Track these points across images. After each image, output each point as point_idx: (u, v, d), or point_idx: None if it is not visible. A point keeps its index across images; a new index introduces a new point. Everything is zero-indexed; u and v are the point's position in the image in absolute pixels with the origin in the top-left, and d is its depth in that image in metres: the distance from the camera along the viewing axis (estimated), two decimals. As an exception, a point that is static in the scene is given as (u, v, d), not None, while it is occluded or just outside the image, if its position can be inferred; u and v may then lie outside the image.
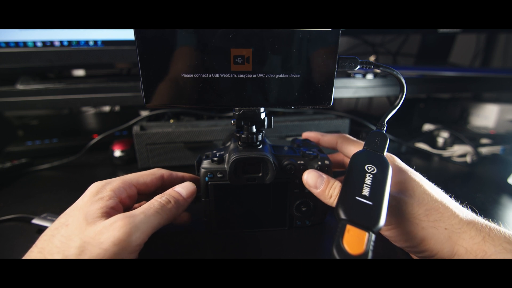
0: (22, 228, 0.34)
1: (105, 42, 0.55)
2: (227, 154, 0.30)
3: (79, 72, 0.75)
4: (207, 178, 0.29)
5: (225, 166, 0.29)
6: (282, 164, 0.30)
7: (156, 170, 0.30)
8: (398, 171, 0.27)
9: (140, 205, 0.25)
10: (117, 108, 0.83)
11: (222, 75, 0.25)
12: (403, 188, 0.25)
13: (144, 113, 0.60)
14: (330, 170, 0.31)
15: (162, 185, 0.30)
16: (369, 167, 0.24)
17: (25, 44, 0.51)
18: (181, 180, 0.31)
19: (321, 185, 0.27)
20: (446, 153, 0.59)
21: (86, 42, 0.54)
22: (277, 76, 0.25)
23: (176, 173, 0.32)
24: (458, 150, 0.58)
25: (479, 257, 0.22)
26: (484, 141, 0.62)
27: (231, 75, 0.25)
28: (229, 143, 0.34)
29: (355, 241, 0.19)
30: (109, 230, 0.21)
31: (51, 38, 0.52)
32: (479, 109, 0.72)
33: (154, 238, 0.29)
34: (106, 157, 0.58)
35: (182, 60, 0.24)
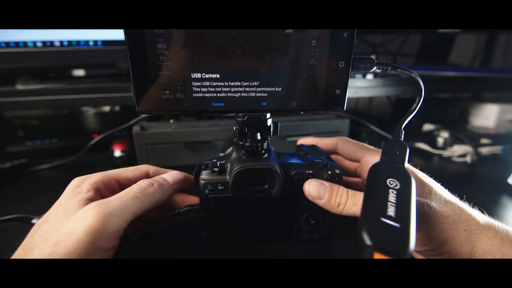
0: (22, 228, 0.34)
1: (105, 42, 0.55)
2: (228, 164, 0.28)
3: (79, 72, 0.75)
4: (207, 191, 0.27)
5: (227, 177, 0.27)
6: (289, 174, 0.27)
7: (142, 166, 0.30)
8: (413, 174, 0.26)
9: None
10: (117, 108, 0.83)
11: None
12: (420, 191, 0.24)
13: (144, 114, 0.60)
14: (341, 179, 0.28)
15: None
16: (391, 182, 0.22)
17: (25, 44, 0.51)
18: None
19: (325, 194, 0.26)
20: (446, 153, 0.59)
21: (86, 42, 0.54)
22: (283, 78, 0.24)
23: (164, 170, 0.31)
24: (458, 150, 0.58)
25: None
26: (484, 141, 0.62)
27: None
28: (229, 151, 0.32)
29: None
30: (81, 219, 0.21)
31: (51, 38, 0.52)
32: (479, 109, 0.72)
33: (146, 253, 0.29)
34: (106, 157, 0.58)
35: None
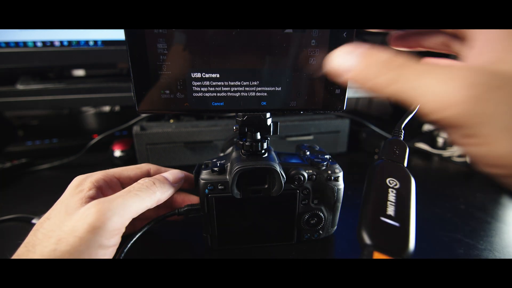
0: (22, 228, 0.34)
1: (105, 42, 0.55)
2: (228, 164, 0.28)
3: (79, 72, 0.75)
4: (207, 190, 0.27)
5: (227, 177, 0.27)
6: (289, 174, 0.27)
7: (143, 165, 0.30)
8: None
9: None
10: (117, 108, 0.83)
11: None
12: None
13: (144, 114, 0.60)
14: (341, 179, 0.29)
15: None
16: (391, 181, 0.22)
17: (25, 44, 0.51)
18: None
19: (355, 63, 0.18)
20: (446, 153, 0.59)
21: (86, 42, 0.54)
22: (282, 78, 0.24)
23: (164, 168, 0.31)
24: (458, 150, 0.58)
25: None
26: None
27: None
28: (229, 151, 0.32)
29: None
30: (83, 217, 0.21)
31: (51, 38, 0.52)
32: (479, 109, 0.72)
33: (146, 252, 0.29)
34: (106, 157, 0.58)
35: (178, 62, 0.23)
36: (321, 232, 0.31)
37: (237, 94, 0.24)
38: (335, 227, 0.32)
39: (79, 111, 0.81)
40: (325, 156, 0.30)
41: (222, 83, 0.24)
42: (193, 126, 0.52)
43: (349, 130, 0.58)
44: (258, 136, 0.27)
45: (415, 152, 0.61)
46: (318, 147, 0.34)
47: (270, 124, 0.27)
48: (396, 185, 0.22)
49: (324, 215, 0.30)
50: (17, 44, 0.51)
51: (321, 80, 0.24)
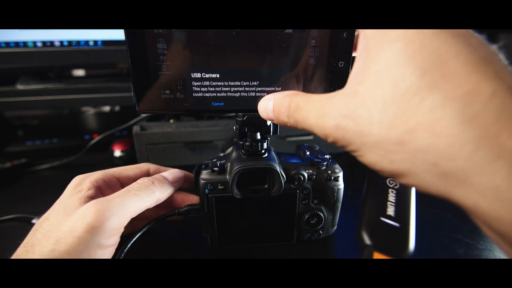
0: (22, 228, 0.34)
1: (105, 42, 0.54)
2: (228, 164, 0.28)
3: (79, 72, 0.75)
4: (207, 190, 0.27)
5: (227, 177, 0.27)
6: (289, 174, 0.27)
7: (143, 165, 0.30)
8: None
9: None
10: (117, 108, 0.83)
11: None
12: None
13: (144, 114, 0.60)
14: (341, 179, 0.29)
15: None
16: (391, 182, 0.22)
17: (25, 44, 0.51)
18: None
19: (274, 107, 0.20)
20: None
21: (86, 42, 0.54)
22: (283, 78, 0.24)
23: (164, 168, 0.31)
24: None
25: None
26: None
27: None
28: (229, 151, 0.32)
29: None
30: (82, 217, 0.21)
31: (51, 38, 0.52)
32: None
33: (145, 252, 0.29)
34: (106, 157, 0.58)
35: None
36: (321, 232, 0.31)
37: (237, 94, 0.24)
38: (335, 227, 0.32)
39: (79, 111, 0.81)
40: (325, 156, 0.30)
41: (222, 83, 0.24)
42: (193, 126, 0.52)
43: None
44: (258, 136, 0.27)
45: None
46: (318, 147, 0.34)
47: (270, 124, 0.27)
48: (396, 185, 0.22)
49: (324, 215, 0.30)
50: (17, 44, 0.51)
51: (321, 81, 0.24)
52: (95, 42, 0.54)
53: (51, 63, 0.53)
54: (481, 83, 0.12)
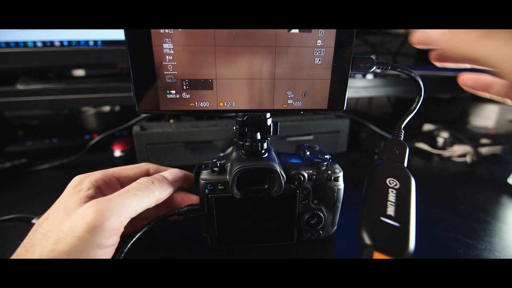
0: (22, 228, 0.34)
1: (105, 42, 0.54)
2: (228, 164, 0.28)
3: (79, 72, 0.75)
4: (207, 191, 0.27)
5: (227, 177, 0.27)
6: (289, 174, 0.27)
7: (142, 164, 0.30)
8: None
9: None
10: (117, 108, 0.83)
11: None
12: None
13: (145, 114, 0.60)
14: (341, 179, 0.29)
15: None
16: (391, 181, 0.22)
17: (25, 44, 0.51)
18: None
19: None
20: (446, 153, 0.59)
21: (86, 42, 0.54)
22: (283, 78, 0.24)
23: (164, 168, 0.31)
24: (458, 150, 0.58)
25: None
26: (484, 141, 0.62)
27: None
28: (229, 151, 0.32)
29: None
30: (81, 217, 0.21)
31: (51, 38, 0.52)
32: (479, 109, 0.72)
33: (145, 252, 0.29)
34: (106, 157, 0.58)
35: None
36: (321, 232, 0.31)
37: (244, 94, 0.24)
38: (335, 227, 0.32)
39: (79, 111, 0.81)
40: (325, 156, 0.30)
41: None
42: (193, 126, 0.52)
43: (349, 130, 0.59)
44: (258, 136, 0.27)
45: (415, 152, 0.61)
46: (318, 147, 0.34)
47: (270, 124, 0.27)
48: (396, 185, 0.22)
49: (324, 215, 0.30)
50: (17, 44, 0.51)
51: (325, 81, 0.24)
52: (95, 42, 0.54)
53: (51, 63, 0.53)
54: None
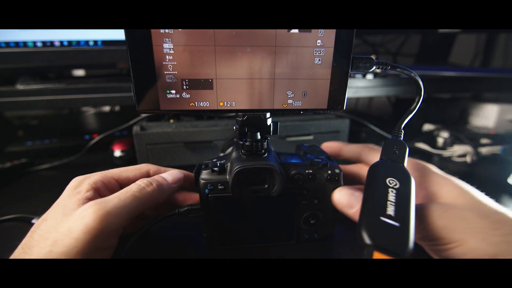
0: (22, 228, 0.34)
1: (105, 42, 0.55)
2: (228, 164, 0.28)
3: (79, 72, 0.75)
4: (207, 190, 0.27)
5: (227, 177, 0.27)
6: (289, 174, 0.27)
7: (142, 166, 0.30)
8: (438, 178, 0.25)
9: None
10: (117, 108, 0.83)
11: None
12: (455, 199, 0.23)
13: (145, 114, 0.60)
14: (341, 179, 0.28)
15: None
16: (390, 181, 0.22)
17: (25, 44, 0.51)
18: None
19: (356, 203, 0.24)
20: (446, 153, 0.59)
21: (86, 42, 0.54)
22: (283, 78, 0.24)
23: (164, 169, 0.31)
24: (458, 150, 0.58)
25: None
26: (484, 141, 0.62)
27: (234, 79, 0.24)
28: (229, 151, 0.32)
29: None
30: (79, 218, 0.21)
31: (51, 38, 0.52)
32: (479, 109, 0.72)
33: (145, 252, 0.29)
34: (106, 157, 0.58)
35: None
36: (321, 232, 0.31)
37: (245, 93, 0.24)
38: (336, 228, 0.32)
39: (79, 111, 0.81)
40: (325, 156, 0.30)
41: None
42: (193, 126, 0.52)
43: (349, 130, 0.58)
44: (258, 136, 0.27)
45: (415, 152, 0.61)
46: (318, 148, 0.34)
47: (270, 124, 0.27)
48: (396, 185, 0.21)
49: (324, 215, 0.30)
50: (17, 44, 0.51)
51: (325, 80, 0.24)
52: (95, 42, 0.54)
53: (51, 63, 0.53)
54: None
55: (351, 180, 0.35)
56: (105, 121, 0.76)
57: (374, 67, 0.25)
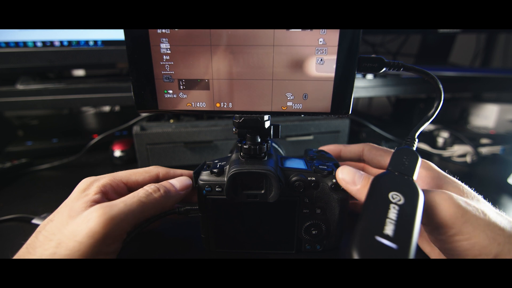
0: (22, 228, 0.34)
1: (105, 42, 0.54)
2: (228, 166, 0.27)
3: (79, 72, 0.75)
4: (204, 191, 0.26)
5: (225, 179, 0.26)
6: (290, 180, 0.26)
7: (152, 168, 0.30)
8: (438, 173, 0.25)
9: None
10: (117, 108, 0.83)
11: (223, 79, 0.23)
12: (468, 195, 0.22)
13: (144, 113, 0.60)
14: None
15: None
16: (394, 196, 0.19)
17: (25, 44, 0.51)
18: None
19: (360, 180, 0.23)
20: (446, 153, 0.59)
21: (86, 42, 0.54)
22: (282, 79, 0.23)
23: (174, 171, 0.30)
24: (458, 150, 0.58)
25: None
26: (484, 141, 0.62)
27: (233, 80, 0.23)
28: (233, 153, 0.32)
29: None
30: (84, 221, 0.21)
31: (51, 38, 0.52)
32: (479, 109, 0.72)
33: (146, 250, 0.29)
34: (106, 157, 0.58)
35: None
36: (324, 243, 0.29)
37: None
38: (341, 241, 0.30)
39: (79, 111, 0.81)
40: (332, 163, 0.28)
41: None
42: (193, 126, 0.52)
43: (349, 130, 0.58)
44: (258, 139, 0.26)
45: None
46: (328, 154, 0.32)
47: (270, 127, 0.26)
48: (400, 200, 0.19)
49: (326, 226, 0.28)
50: (17, 44, 0.51)
51: (327, 82, 0.23)
52: (95, 42, 0.54)
53: (51, 63, 0.53)
54: None
55: None
56: (105, 121, 0.76)
57: (384, 69, 0.23)
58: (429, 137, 0.63)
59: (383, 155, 0.30)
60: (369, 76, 0.61)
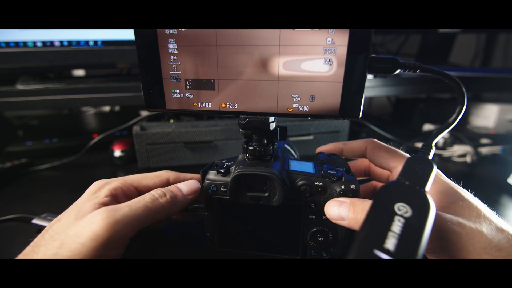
0: (22, 228, 0.34)
1: (105, 42, 0.55)
2: (234, 166, 0.27)
3: (79, 72, 0.75)
4: (210, 191, 0.26)
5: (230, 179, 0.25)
6: (296, 184, 0.25)
7: (162, 173, 0.29)
8: (447, 188, 0.24)
9: None
10: (117, 108, 0.83)
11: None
12: (468, 214, 0.21)
13: (144, 113, 0.60)
14: (357, 195, 0.25)
15: None
16: (400, 207, 0.17)
17: (25, 44, 0.51)
18: None
19: (346, 214, 0.22)
20: (446, 153, 0.59)
21: (86, 42, 0.54)
22: (288, 80, 0.22)
23: (184, 175, 0.30)
24: (458, 150, 0.58)
25: None
26: (484, 141, 0.62)
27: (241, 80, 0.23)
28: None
29: None
30: (88, 223, 0.21)
31: (51, 38, 0.52)
32: (479, 109, 0.72)
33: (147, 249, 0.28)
34: (106, 157, 0.58)
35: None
36: (331, 251, 0.28)
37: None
38: (348, 248, 0.29)
39: (79, 111, 0.81)
40: (342, 168, 0.27)
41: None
42: (193, 126, 0.52)
43: (349, 130, 0.58)
44: (264, 140, 0.26)
45: (415, 152, 0.61)
46: (340, 158, 0.30)
47: (276, 128, 0.26)
48: (406, 212, 0.17)
49: (334, 233, 0.27)
50: (17, 44, 0.51)
51: (336, 84, 0.22)
52: (95, 42, 0.54)
53: (51, 63, 0.53)
54: None
55: (357, 176, 0.33)
56: (105, 121, 0.76)
57: (398, 70, 0.22)
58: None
59: (386, 157, 0.29)
60: (369, 76, 0.61)
